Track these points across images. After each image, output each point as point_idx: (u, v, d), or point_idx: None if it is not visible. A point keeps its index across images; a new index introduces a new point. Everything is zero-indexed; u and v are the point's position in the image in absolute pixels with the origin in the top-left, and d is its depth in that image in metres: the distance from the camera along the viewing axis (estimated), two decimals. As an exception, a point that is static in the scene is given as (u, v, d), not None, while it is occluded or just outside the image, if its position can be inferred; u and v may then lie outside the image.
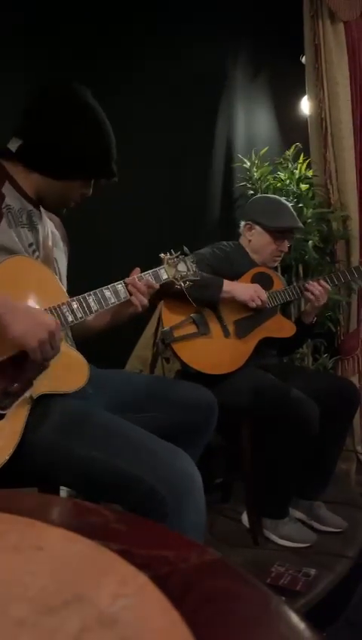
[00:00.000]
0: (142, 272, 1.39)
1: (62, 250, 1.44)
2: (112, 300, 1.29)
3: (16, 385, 1.05)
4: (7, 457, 1.01)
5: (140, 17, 2.77)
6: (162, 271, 1.43)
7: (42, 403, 1.11)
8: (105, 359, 1.48)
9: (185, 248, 1.50)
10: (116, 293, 1.30)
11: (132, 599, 0.36)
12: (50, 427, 1.09)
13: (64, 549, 0.45)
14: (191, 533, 1.01)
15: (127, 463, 1.01)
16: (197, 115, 3.02)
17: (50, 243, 1.33)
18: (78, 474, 1.08)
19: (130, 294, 1.33)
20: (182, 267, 1.45)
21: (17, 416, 1.06)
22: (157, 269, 1.42)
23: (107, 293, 1.28)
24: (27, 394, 1.07)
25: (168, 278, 1.43)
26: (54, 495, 1.25)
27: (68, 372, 1.20)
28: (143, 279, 1.36)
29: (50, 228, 1.37)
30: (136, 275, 1.37)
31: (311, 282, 2.07)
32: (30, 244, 1.24)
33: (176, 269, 1.44)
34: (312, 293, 2.05)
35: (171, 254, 1.46)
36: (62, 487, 1.51)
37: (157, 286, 1.39)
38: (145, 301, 1.35)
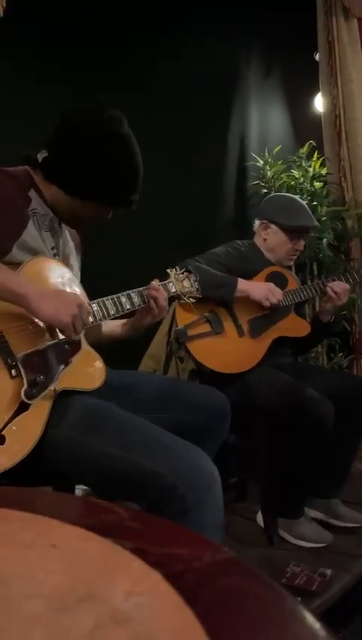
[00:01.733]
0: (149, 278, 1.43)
1: (75, 259, 1.47)
2: (127, 306, 1.33)
3: (42, 377, 1.08)
4: (32, 446, 1.03)
5: (152, 17, 2.77)
6: (171, 284, 1.47)
7: (62, 400, 1.13)
8: (119, 358, 1.49)
9: (190, 266, 1.56)
10: (130, 299, 1.34)
11: (145, 597, 0.36)
12: (70, 424, 1.10)
13: (78, 547, 0.45)
14: (210, 529, 1.01)
15: (147, 459, 1.02)
16: (210, 114, 3.02)
17: (68, 250, 1.39)
18: (98, 470, 1.08)
19: (149, 300, 1.37)
20: (186, 284, 1.51)
21: (42, 408, 1.09)
22: (166, 282, 1.46)
23: (123, 299, 1.33)
24: (52, 386, 1.11)
25: (176, 291, 1.48)
26: (69, 493, 1.26)
27: (88, 370, 1.24)
28: (161, 288, 1.40)
29: (68, 236, 1.43)
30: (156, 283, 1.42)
31: (332, 282, 2.06)
32: (52, 248, 1.29)
33: (182, 284, 1.50)
34: (334, 291, 2.03)
35: (177, 270, 1.51)
36: (77, 486, 1.52)
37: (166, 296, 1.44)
38: (167, 307, 1.40)
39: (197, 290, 1.52)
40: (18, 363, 1.06)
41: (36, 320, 1.13)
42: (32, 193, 1.25)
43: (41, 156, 1.27)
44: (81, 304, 1.13)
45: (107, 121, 1.26)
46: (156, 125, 2.66)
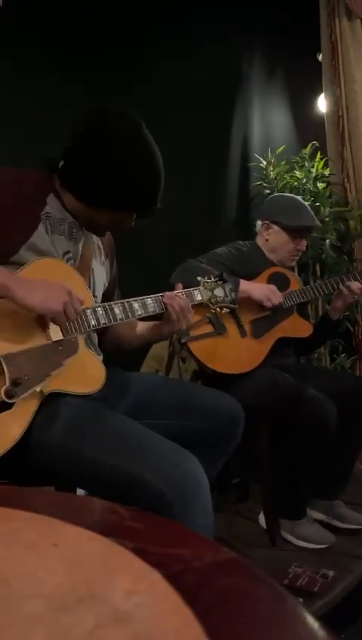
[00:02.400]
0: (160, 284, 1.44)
1: (100, 263, 1.45)
2: (139, 312, 1.31)
3: (27, 377, 1.06)
4: (9, 447, 1.02)
5: (154, 18, 2.77)
6: (196, 292, 1.44)
7: (52, 402, 1.12)
8: (122, 358, 1.49)
9: (224, 275, 1.51)
10: (144, 306, 1.32)
11: (145, 597, 0.36)
12: (60, 427, 1.09)
13: (79, 547, 0.45)
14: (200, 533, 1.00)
15: (133, 465, 1.01)
16: (212, 115, 3.02)
17: (90, 254, 1.36)
18: (86, 475, 1.08)
19: (167, 308, 1.35)
20: (219, 292, 1.47)
21: (25, 409, 1.07)
22: (191, 289, 1.44)
23: (135, 305, 1.30)
24: (38, 387, 1.08)
25: (202, 300, 1.45)
26: (70, 493, 1.25)
27: (83, 374, 1.21)
28: (182, 299, 1.37)
29: (96, 242, 1.41)
30: (176, 291, 1.40)
31: (351, 279, 2.07)
32: (66, 252, 1.27)
33: (212, 292, 1.46)
34: (351, 290, 2.04)
35: (209, 278, 1.48)
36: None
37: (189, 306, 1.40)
38: (187, 319, 1.37)
39: (233, 300, 1.48)
40: (2, 361, 1.03)
41: (29, 317, 1.11)
42: (50, 198, 1.25)
43: (60, 163, 1.27)
44: (71, 291, 1.10)
45: (119, 124, 1.23)
46: (158, 126, 2.65)
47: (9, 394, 1.03)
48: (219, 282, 1.48)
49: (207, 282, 1.47)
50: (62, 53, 2.46)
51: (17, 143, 2.23)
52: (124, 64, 2.66)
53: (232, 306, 1.49)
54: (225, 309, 1.48)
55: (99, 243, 1.45)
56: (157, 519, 0.55)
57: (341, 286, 2.07)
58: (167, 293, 1.37)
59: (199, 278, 1.48)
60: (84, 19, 2.54)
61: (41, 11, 2.41)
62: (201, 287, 1.46)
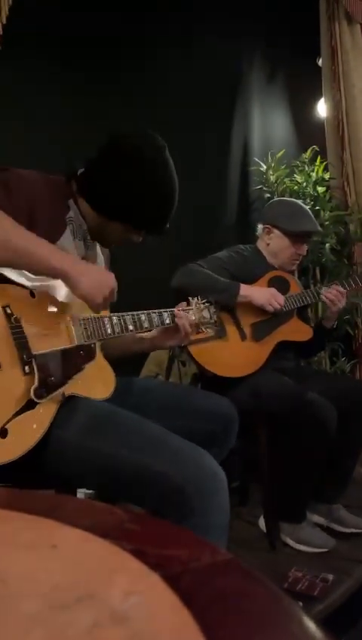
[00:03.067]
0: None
1: None
2: (146, 325, 1.37)
3: (53, 378, 1.09)
4: (30, 447, 1.03)
5: (154, 19, 2.78)
6: (191, 312, 1.51)
7: (68, 403, 1.14)
8: (122, 362, 1.49)
9: (211, 298, 1.61)
10: (150, 320, 1.38)
11: (143, 597, 0.36)
12: (77, 427, 1.11)
13: (78, 548, 0.45)
14: (214, 532, 1.01)
15: (153, 460, 1.02)
16: (213, 119, 3.03)
17: (97, 261, 1.43)
18: (105, 472, 1.09)
19: (179, 325, 1.43)
20: (206, 314, 1.55)
21: (48, 409, 1.09)
22: (187, 308, 1.51)
23: (143, 316, 1.36)
24: (62, 390, 1.11)
25: (195, 320, 1.52)
26: (69, 495, 1.26)
27: (98, 381, 1.25)
28: (189, 316, 1.46)
29: (98, 249, 1.46)
30: (182, 308, 1.48)
31: (325, 289, 2.07)
32: (82, 258, 1.32)
33: (201, 314, 1.54)
34: (328, 298, 2.04)
35: (198, 300, 1.55)
36: (78, 490, 1.52)
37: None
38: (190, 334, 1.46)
39: (215, 322, 1.57)
40: (33, 360, 1.05)
41: (55, 318, 1.16)
42: (70, 203, 1.30)
43: (79, 171, 1.32)
44: (115, 288, 1.18)
45: (141, 147, 1.29)
46: (159, 130, 2.66)
47: (38, 394, 1.05)
48: (206, 304, 1.56)
49: (198, 303, 1.54)
50: (61, 54, 2.46)
51: (17, 143, 2.24)
52: (123, 67, 2.67)
53: (214, 328, 1.58)
54: (208, 329, 1.56)
55: (99, 251, 1.48)
56: (155, 521, 0.55)
57: (321, 297, 2.07)
58: (177, 312, 1.44)
59: (190, 299, 1.55)
60: (85, 20, 2.55)
61: (41, 11, 2.41)
62: (194, 308, 1.53)
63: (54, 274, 1.08)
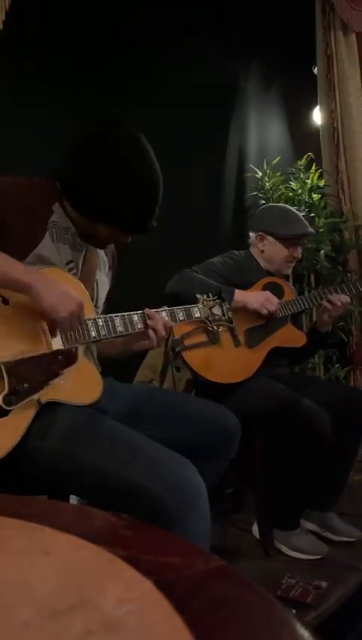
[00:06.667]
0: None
1: (105, 275, 1.47)
2: (139, 326, 1.32)
3: (26, 385, 1.07)
4: (3, 454, 1.02)
5: (153, 29, 2.80)
6: (195, 309, 1.47)
7: (49, 410, 1.12)
8: (116, 367, 1.49)
9: (223, 294, 1.56)
10: (131, 322, 1.32)
11: (136, 604, 0.36)
12: (57, 436, 1.09)
13: (71, 555, 0.45)
14: (196, 542, 1.00)
15: (132, 472, 1.01)
16: (209, 126, 3.04)
17: (94, 265, 1.38)
18: (84, 483, 1.08)
19: (148, 327, 1.34)
20: (217, 310, 1.51)
21: (22, 417, 1.07)
22: (190, 306, 1.46)
23: (135, 317, 1.32)
24: (35, 396, 1.09)
25: (200, 317, 1.48)
26: (62, 501, 1.25)
27: (81, 385, 1.21)
28: (161, 315, 1.37)
29: (100, 253, 1.43)
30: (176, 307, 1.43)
31: (333, 293, 2.08)
32: (69, 262, 1.29)
33: (210, 310, 1.49)
34: (332, 303, 2.05)
35: (208, 296, 1.51)
36: (72, 496, 1.52)
37: (171, 324, 1.41)
38: (162, 334, 1.35)
39: (229, 318, 1.51)
40: (2, 369, 1.04)
41: (31, 326, 1.13)
42: (56, 207, 1.27)
43: (61, 169, 1.28)
44: (82, 304, 1.13)
45: (122, 137, 1.25)
46: (155, 137, 2.67)
47: (6, 402, 1.03)
48: (217, 301, 1.52)
49: (206, 300, 1.50)
50: (61, 55, 2.47)
51: (16, 143, 2.24)
52: (121, 76, 2.68)
53: (230, 325, 1.53)
54: (221, 326, 1.51)
55: (103, 255, 1.46)
56: (148, 528, 0.55)
57: (323, 301, 2.07)
58: (151, 312, 1.35)
59: (198, 296, 1.50)
60: (84, 28, 2.56)
61: (40, 12, 2.42)
62: (201, 305, 1.48)
63: (20, 287, 1.07)
